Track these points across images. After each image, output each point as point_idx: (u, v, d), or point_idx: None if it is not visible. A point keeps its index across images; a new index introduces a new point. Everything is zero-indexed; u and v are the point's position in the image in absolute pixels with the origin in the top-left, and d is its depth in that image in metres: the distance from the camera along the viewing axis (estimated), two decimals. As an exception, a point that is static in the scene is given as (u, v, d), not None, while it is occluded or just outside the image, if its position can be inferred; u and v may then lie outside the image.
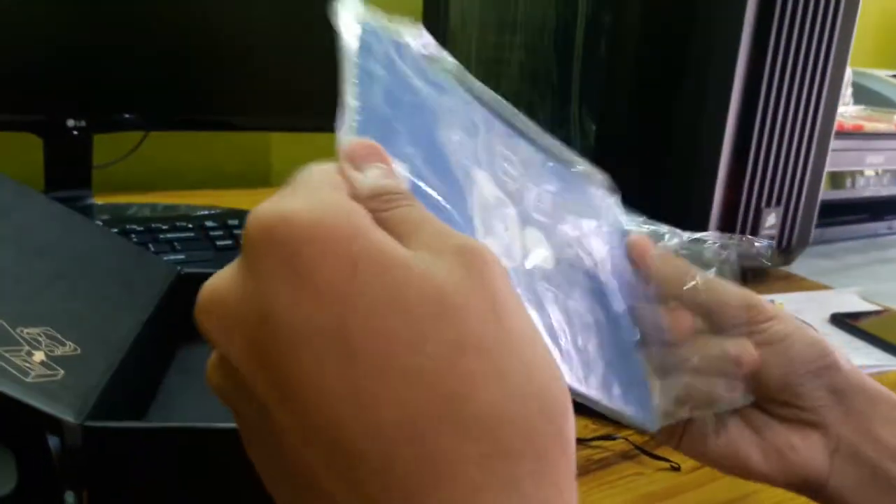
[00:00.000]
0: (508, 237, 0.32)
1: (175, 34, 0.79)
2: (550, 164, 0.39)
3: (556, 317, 0.32)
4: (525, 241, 0.33)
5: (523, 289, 0.31)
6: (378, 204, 0.22)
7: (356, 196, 0.22)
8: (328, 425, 0.19)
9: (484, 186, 0.31)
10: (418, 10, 1.17)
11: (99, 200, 0.82)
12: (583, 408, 0.52)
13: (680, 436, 0.39)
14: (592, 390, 0.33)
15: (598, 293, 0.37)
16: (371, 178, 0.23)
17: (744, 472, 0.39)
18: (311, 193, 0.21)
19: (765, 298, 0.39)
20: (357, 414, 0.19)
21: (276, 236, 0.20)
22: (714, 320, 0.38)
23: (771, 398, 0.38)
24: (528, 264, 0.32)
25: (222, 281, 0.21)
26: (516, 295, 0.22)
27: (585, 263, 0.37)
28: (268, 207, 0.21)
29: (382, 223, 0.22)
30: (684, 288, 0.38)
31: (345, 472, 0.19)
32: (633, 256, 0.40)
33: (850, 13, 0.81)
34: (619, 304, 0.39)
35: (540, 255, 0.33)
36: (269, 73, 0.85)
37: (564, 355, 0.32)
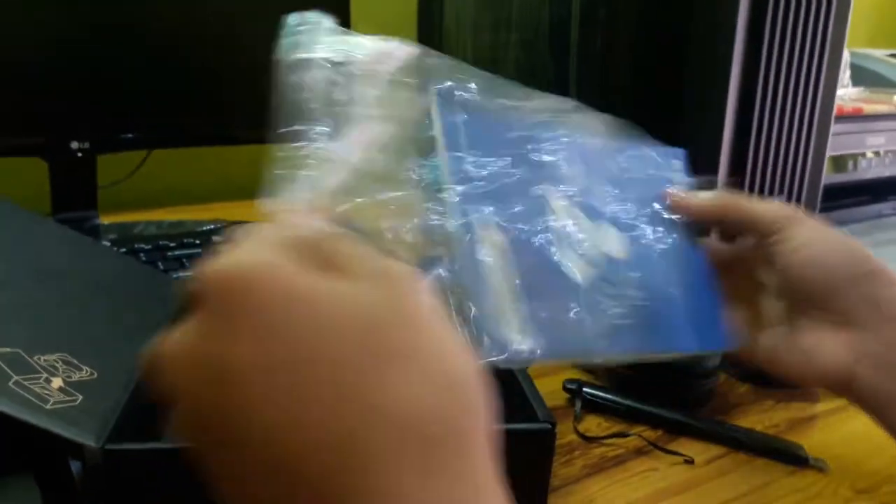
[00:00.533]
0: (586, 245, 0.39)
1: (174, 51, 0.80)
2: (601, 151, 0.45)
3: (634, 294, 0.40)
4: (599, 240, 0.40)
5: (607, 284, 0.38)
6: (316, 244, 0.25)
7: (298, 240, 0.25)
8: (267, 454, 0.21)
9: (554, 202, 0.39)
10: (413, 11, 1.18)
11: (105, 220, 0.83)
12: (598, 406, 0.53)
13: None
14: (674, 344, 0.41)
15: (673, 252, 0.43)
16: (309, 225, 0.26)
17: (788, 370, 0.42)
18: (240, 252, 0.24)
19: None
20: (290, 438, 0.21)
21: (211, 291, 0.22)
22: (750, 234, 0.43)
23: (804, 301, 0.41)
24: (609, 260, 0.40)
25: (171, 339, 0.23)
26: (434, 305, 0.24)
27: (653, 234, 0.43)
28: (204, 269, 0.23)
29: (319, 259, 0.24)
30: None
31: (288, 493, 0.21)
32: (671, 204, 0.45)
33: (846, -6, 0.81)
34: (693, 256, 0.44)
35: (615, 249, 0.40)
36: (269, 85, 0.85)
37: (641, 327, 0.39)
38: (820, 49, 0.81)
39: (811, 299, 0.40)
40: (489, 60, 1.02)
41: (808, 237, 0.40)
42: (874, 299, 0.39)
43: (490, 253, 0.34)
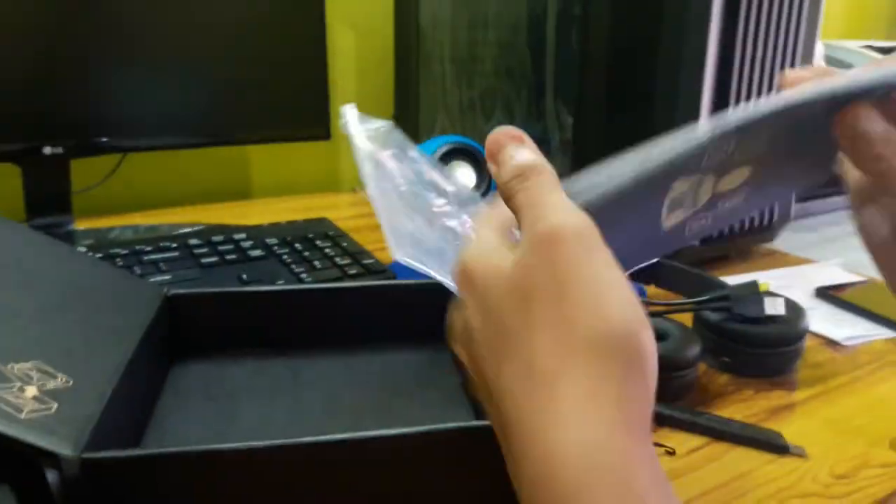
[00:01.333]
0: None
1: (147, 55, 0.79)
2: None
3: None
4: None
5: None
6: (515, 184, 0.32)
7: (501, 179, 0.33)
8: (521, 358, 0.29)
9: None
10: (389, 11, 1.17)
11: (80, 225, 0.82)
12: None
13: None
14: None
15: None
16: (509, 160, 0.33)
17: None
18: (476, 243, 0.32)
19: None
20: (533, 341, 0.29)
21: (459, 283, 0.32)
22: None
23: None
24: None
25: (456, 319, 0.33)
26: (589, 257, 0.29)
27: None
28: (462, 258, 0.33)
29: (514, 207, 0.31)
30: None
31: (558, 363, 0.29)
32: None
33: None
34: None
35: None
36: (245, 87, 0.85)
37: None
38: (794, 38, 0.82)
39: None
40: (467, 59, 1.02)
41: None
42: None
43: None
